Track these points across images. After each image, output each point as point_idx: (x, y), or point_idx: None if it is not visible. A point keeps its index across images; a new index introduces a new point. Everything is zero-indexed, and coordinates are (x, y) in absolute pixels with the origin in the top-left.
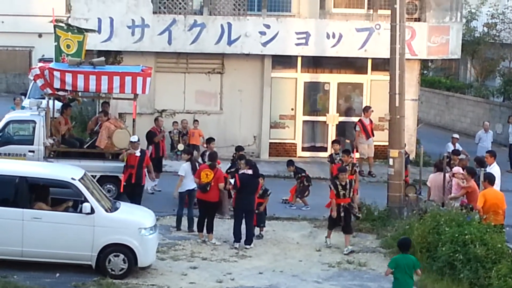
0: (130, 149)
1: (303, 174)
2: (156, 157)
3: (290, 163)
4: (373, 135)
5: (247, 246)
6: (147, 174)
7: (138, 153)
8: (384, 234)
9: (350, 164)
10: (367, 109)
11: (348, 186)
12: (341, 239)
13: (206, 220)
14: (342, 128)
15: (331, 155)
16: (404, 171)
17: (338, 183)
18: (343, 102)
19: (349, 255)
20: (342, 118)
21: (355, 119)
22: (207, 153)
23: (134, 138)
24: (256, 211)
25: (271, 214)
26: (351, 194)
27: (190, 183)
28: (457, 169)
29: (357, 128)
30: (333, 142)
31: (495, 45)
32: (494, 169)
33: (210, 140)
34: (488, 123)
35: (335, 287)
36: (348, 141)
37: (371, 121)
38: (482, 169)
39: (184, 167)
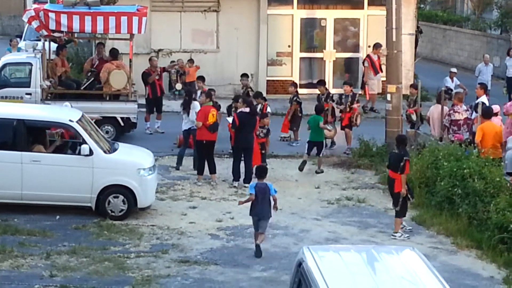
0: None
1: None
2: (153, 97)
3: (321, 83)
4: (382, 71)
5: (246, 185)
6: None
7: None
8: (383, 170)
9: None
10: (376, 46)
11: None
12: (339, 175)
13: (207, 161)
14: (339, 64)
15: (318, 95)
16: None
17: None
18: (340, 38)
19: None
20: (339, 54)
21: (352, 55)
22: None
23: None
24: (263, 152)
25: (270, 152)
26: None
27: (189, 123)
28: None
29: (366, 64)
30: (319, 82)
31: None
32: (482, 101)
33: (200, 79)
34: (488, 56)
35: (334, 223)
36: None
37: (378, 57)
38: (480, 103)
39: None
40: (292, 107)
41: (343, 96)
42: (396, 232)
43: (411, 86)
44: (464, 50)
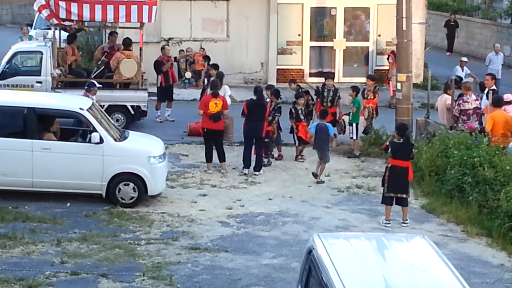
0: None
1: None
2: (166, 86)
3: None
4: None
5: (256, 173)
6: None
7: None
8: None
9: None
10: None
11: None
12: (349, 163)
13: (216, 149)
14: (349, 53)
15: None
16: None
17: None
18: (350, 27)
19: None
20: (349, 43)
21: (362, 44)
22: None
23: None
24: (266, 140)
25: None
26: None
27: None
28: None
29: (390, 60)
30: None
31: None
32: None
33: (214, 66)
34: (498, 45)
35: (344, 211)
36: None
37: None
38: (490, 92)
39: None
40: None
41: (325, 90)
42: (406, 220)
43: (368, 77)
44: (474, 39)
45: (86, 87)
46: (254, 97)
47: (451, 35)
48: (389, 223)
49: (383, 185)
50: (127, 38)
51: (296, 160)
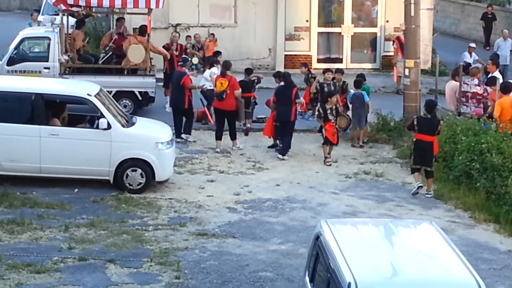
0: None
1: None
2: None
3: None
4: None
5: (280, 156)
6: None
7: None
8: (400, 144)
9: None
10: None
11: None
12: (357, 149)
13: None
14: (357, 39)
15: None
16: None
17: None
18: (358, 12)
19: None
20: (357, 29)
21: (370, 29)
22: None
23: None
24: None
25: None
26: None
27: None
28: None
29: (395, 46)
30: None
31: None
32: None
33: (217, 53)
34: (506, 31)
35: (352, 197)
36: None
37: None
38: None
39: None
40: (310, 86)
41: (325, 85)
42: (430, 191)
43: (336, 71)
44: None
45: (181, 63)
46: (282, 83)
47: (488, 28)
48: (421, 185)
49: (410, 157)
50: (143, 25)
51: (324, 163)
